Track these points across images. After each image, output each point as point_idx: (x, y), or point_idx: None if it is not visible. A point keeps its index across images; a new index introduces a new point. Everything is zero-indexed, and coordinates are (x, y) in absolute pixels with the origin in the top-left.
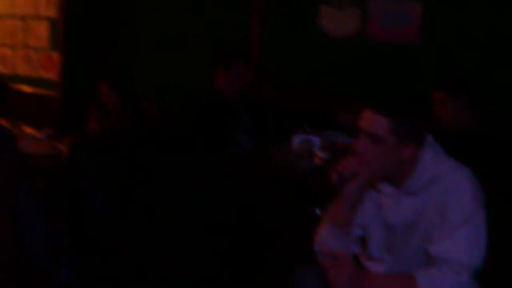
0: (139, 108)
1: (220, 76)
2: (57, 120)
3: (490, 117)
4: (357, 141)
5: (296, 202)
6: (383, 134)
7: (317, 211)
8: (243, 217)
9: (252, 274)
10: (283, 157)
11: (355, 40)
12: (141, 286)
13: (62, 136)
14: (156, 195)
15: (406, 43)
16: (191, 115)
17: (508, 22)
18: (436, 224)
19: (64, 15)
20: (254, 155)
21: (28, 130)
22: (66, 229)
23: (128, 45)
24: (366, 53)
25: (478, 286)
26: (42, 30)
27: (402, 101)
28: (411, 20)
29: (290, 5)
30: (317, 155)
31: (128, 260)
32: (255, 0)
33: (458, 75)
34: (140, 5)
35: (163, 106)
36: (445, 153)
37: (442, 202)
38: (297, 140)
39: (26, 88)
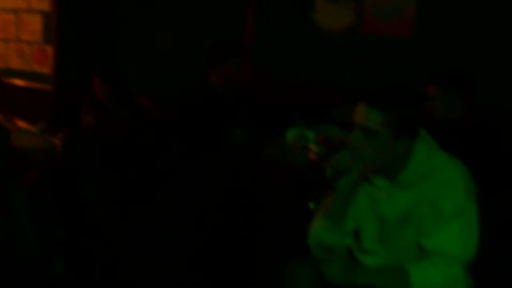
0: (133, 102)
1: (214, 69)
2: (51, 114)
3: (483, 112)
4: (351, 136)
5: (290, 196)
6: (377, 129)
7: (311, 205)
8: (237, 212)
9: (246, 268)
10: (277, 151)
11: (349, 33)
12: (136, 278)
13: (55, 130)
14: (150, 189)
15: (400, 37)
16: (184, 109)
17: (502, 17)
18: (429, 217)
19: (57, 8)
20: (248, 149)
21: (22, 124)
22: (60, 222)
23: (122, 39)
24: (360, 47)
25: (471, 279)
26: (35, 23)
27: (396, 96)
28: (405, 14)
29: None
30: (311, 149)
31: (122, 253)
32: None
33: (451, 70)
34: None
35: (157, 100)
36: (438, 147)
37: (435, 196)
38: (291, 134)
39: (19, 82)
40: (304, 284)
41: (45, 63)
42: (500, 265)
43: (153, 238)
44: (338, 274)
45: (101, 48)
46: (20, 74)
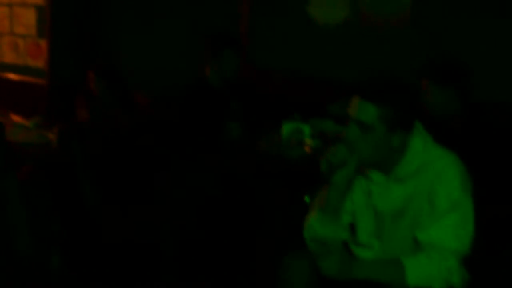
0: (128, 97)
1: (208, 63)
2: (45, 109)
3: (478, 105)
4: (346, 129)
5: (286, 190)
6: (372, 122)
7: (307, 198)
8: (233, 205)
9: (242, 262)
10: (273, 145)
11: (346, 26)
12: (131, 272)
13: (50, 125)
14: (145, 182)
15: (396, 29)
16: (179, 103)
17: (499, 9)
18: (424, 211)
19: (51, 2)
20: (243, 143)
21: (16, 118)
22: (55, 217)
23: (116, 32)
24: (357, 39)
25: (466, 272)
26: (29, 17)
27: (391, 89)
28: (401, 5)
29: None
30: (306, 143)
31: (117, 248)
32: None
33: (445, 63)
34: None
35: (152, 93)
36: (433, 140)
37: (431, 189)
38: (286, 128)
39: (13, 76)
40: (299, 278)
41: (39, 57)
42: (495, 259)
43: (147, 229)
44: (333, 268)
45: (95, 42)
46: (14, 68)
